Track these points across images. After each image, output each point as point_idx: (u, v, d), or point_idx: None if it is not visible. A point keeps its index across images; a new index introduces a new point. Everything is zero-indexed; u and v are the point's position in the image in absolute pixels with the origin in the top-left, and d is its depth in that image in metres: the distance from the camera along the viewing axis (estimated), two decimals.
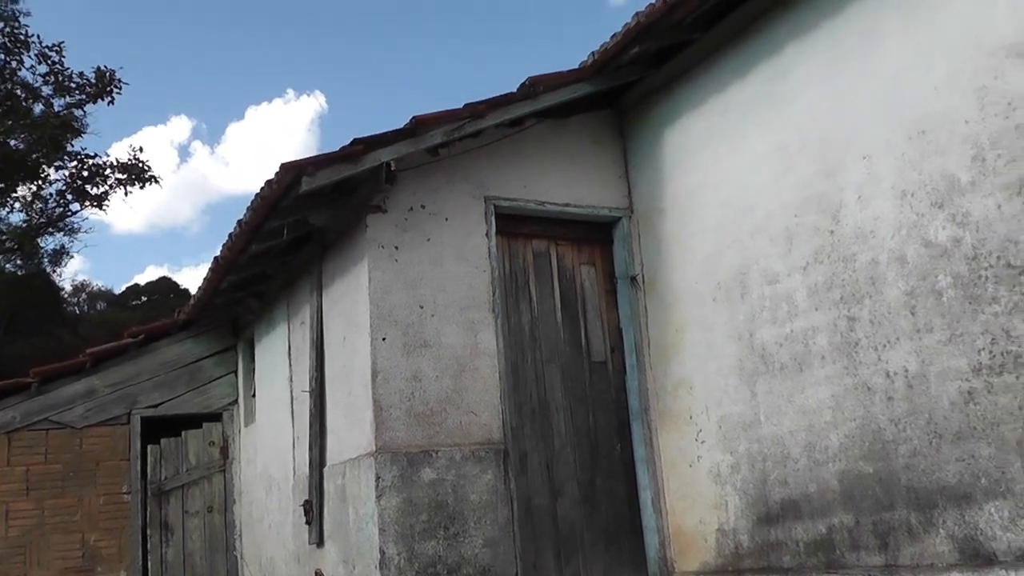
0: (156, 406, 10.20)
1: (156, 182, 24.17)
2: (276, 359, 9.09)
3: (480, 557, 6.82)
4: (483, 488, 6.93)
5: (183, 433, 10.26)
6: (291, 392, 8.58)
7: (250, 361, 10.37)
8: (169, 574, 9.94)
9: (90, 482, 9.83)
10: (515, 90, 7.38)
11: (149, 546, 9.93)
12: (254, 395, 10.21)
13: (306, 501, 7.70)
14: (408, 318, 6.99)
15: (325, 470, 7.61)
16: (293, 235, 7.71)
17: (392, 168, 6.82)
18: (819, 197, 6.36)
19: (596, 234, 8.03)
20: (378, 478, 6.63)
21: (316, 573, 7.39)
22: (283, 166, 6.53)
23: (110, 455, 9.93)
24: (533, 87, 7.31)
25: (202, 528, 10.18)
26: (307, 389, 7.87)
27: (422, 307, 7.05)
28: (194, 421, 10.41)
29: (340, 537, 7.21)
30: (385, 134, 6.80)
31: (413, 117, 6.86)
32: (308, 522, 7.67)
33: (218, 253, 8.22)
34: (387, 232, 7.08)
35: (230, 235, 7.78)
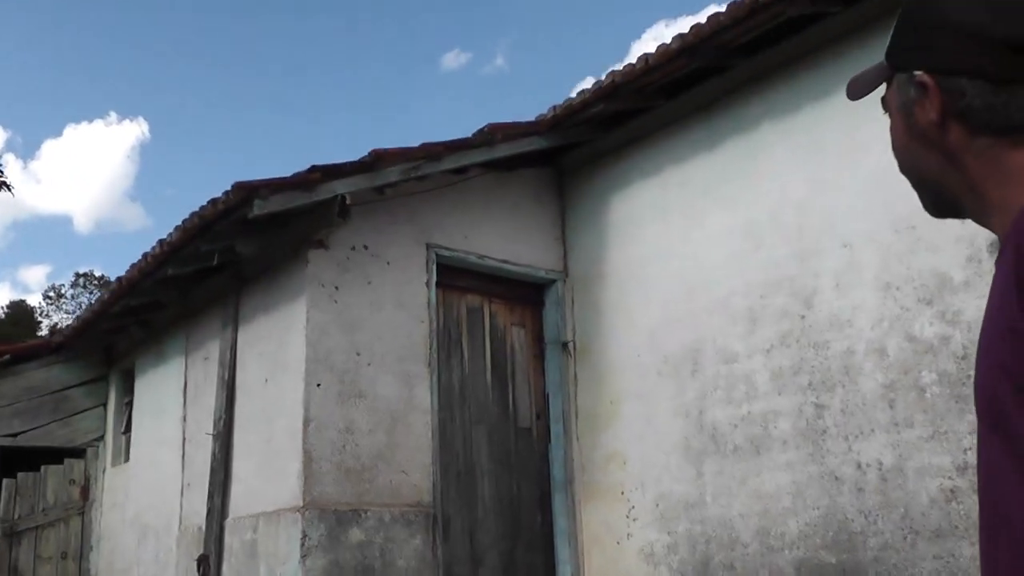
0: (15, 435, 9.15)
1: (8, 189, 22.43)
2: (165, 395, 8.31)
3: None
4: (411, 554, 6.45)
5: (42, 468, 9.23)
6: (183, 433, 7.83)
7: (124, 394, 9.48)
8: None
9: None
10: (472, 135, 7.06)
11: None
12: (126, 432, 9.33)
13: (202, 556, 6.98)
14: (345, 364, 6.49)
15: (228, 522, 6.93)
16: (207, 264, 7.09)
17: (347, 202, 6.35)
18: (791, 280, 6.27)
19: (529, 295, 7.73)
20: (304, 536, 6.06)
21: None
22: (236, 185, 6.00)
23: None
24: (491, 135, 7.02)
25: None
26: (211, 432, 7.19)
27: (359, 354, 6.56)
28: (55, 455, 9.40)
29: None
30: (343, 165, 6.36)
31: (372, 151, 6.45)
32: None
33: (123, 273, 7.50)
34: (328, 271, 6.58)
35: (145, 255, 7.12)
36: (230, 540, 6.85)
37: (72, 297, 41.88)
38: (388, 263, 6.84)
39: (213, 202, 6.19)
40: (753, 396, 6.38)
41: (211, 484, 7.11)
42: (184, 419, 7.88)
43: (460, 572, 6.81)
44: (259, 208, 6.01)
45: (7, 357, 9.10)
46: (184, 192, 68.08)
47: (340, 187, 6.30)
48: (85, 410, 9.53)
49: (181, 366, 8.07)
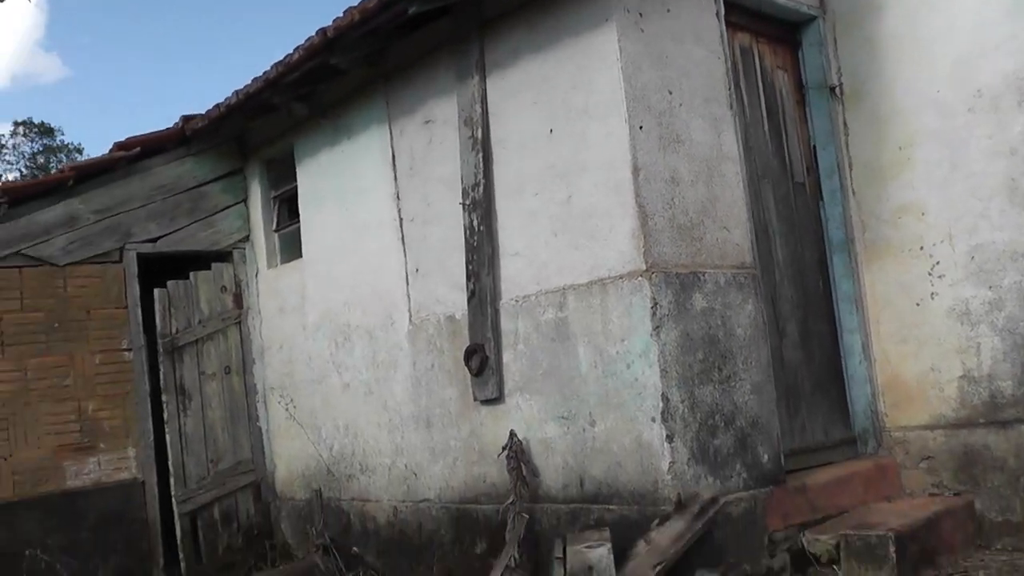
0: (154, 240, 7.71)
1: None
2: (357, 174, 7.03)
3: (749, 406, 5.50)
4: (746, 321, 5.60)
5: (191, 275, 7.86)
6: (399, 213, 6.66)
7: (272, 187, 8.12)
8: (189, 450, 7.62)
9: (81, 336, 7.29)
10: None
11: (166, 415, 7.59)
12: (278, 229, 8.03)
13: (474, 346, 5.94)
14: (659, 104, 5.44)
15: (503, 304, 5.91)
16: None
17: None
18: None
19: (787, 34, 6.74)
20: (655, 304, 5.11)
21: (511, 435, 5.69)
22: None
23: (102, 301, 7.40)
24: None
25: (221, 393, 7.85)
26: (464, 202, 6.07)
27: (671, 92, 5.52)
28: (198, 261, 8.04)
29: (552, 388, 5.58)
30: None
31: None
32: (477, 374, 5.93)
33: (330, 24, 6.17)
34: None
35: None
36: (514, 324, 5.82)
37: (14, 147, 39.01)
38: None
39: None
40: None
41: (472, 263, 6.02)
42: (397, 196, 6.69)
43: (772, 344, 5.99)
44: None
45: (137, 150, 7.58)
46: (99, 40, 63.52)
47: None
48: (225, 208, 8.06)
49: (383, 136, 6.79)
